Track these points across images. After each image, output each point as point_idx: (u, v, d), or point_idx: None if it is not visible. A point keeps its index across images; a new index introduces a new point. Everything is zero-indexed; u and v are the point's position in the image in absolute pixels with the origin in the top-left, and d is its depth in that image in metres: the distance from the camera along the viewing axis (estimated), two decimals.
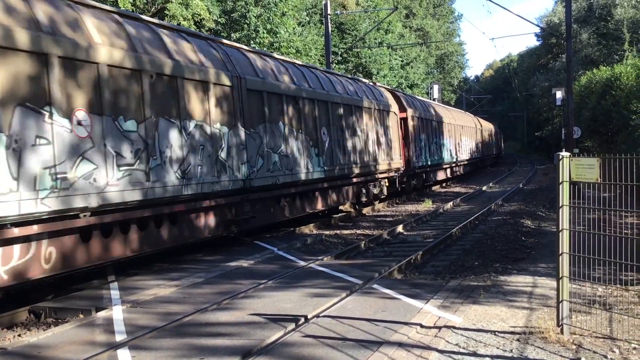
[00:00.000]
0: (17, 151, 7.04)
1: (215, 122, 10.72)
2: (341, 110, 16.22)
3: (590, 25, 40.78)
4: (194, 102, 10.26)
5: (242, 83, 11.59)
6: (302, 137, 13.93)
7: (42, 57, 7.45)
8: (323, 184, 15.13)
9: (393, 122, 20.75)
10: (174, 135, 9.72)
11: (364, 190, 18.14)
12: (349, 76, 19.49)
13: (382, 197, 19.94)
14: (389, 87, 24.51)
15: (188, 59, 10.31)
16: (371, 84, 21.28)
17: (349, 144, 16.65)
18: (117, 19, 9.23)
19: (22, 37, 7.19)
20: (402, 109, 22.69)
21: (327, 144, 15.22)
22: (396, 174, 21.02)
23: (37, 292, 8.32)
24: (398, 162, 20.87)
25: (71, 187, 7.69)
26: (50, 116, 7.50)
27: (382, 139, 19.32)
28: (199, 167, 10.20)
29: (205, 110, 10.49)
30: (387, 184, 20.07)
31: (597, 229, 6.17)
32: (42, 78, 7.45)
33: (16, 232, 7.03)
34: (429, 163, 26.00)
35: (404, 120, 22.65)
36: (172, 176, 9.56)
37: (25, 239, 7.25)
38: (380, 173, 19.27)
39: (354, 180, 17.19)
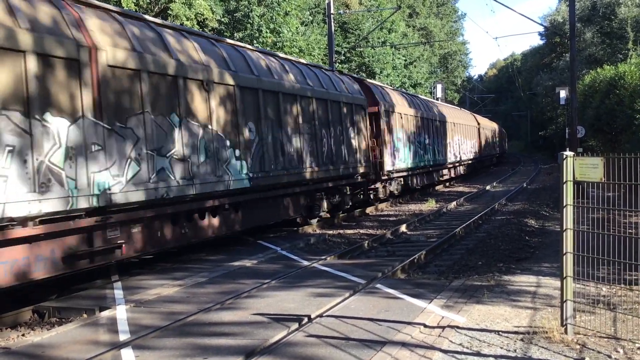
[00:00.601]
0: None
1: (42, 112, 7.42)
2: (280, 101, 12.83)
3: (594, 24, 40.67)
4: None
5: (98, 56, 8.23)
6: (213, 135, 10.59)
7: None
8: (249, 195, 11.74)
9: (359, 117, 17.34)
10: None
11: (318, 201, 14.89)
12: (295, 59, 15.94)
13: (346, 207, 16.86)
14: (358, 77, 21.16)
15: None
16: (330, 70, 17.75)
17: (292, 143, 13.32)
18: None
19: None
20: (374, 102, 19.21)
21: (255, 144, 11.87)
22: (363, 180, 17.67)
23: (41, 291, 8.34)
24: (364, 166, 17.42)
25: None
26: None
27: (343, 137, 16.06)
28: (2, 179, 6.88)
29: (18, 93, 7.16)
30: (347, 192, 16.76)
31: (601, 228, 6.14)
32: None
33: None
34: (412, 166, 22.89)
35: (375, 116, 19.32)
36: None
37: None
38: (341, 179, 16.01)
39: (301, 189, 13.85)
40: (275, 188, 12.73)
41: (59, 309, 7.62)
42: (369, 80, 21.74)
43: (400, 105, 22.23)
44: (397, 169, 21.01)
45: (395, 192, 21.41)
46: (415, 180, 23.91)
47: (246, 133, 11.61)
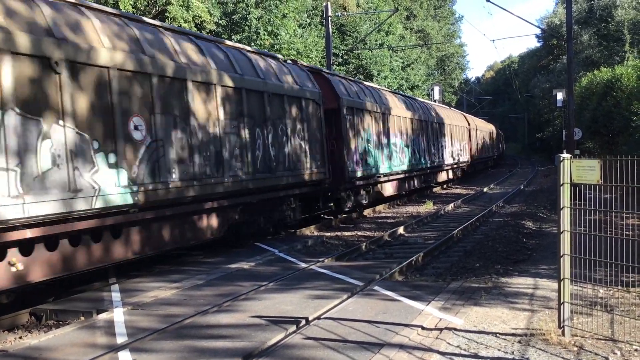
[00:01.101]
0: None
1: None
2: (187, 90, 10.03)
3: (591, 27, 40.82)
4: None
5: None
6: (66, 135, 7.73)
7: None
8: (135, 215, 8.89)
9: (310, 114, 14.55)
10: None
11: (255, 217, 12.44)
12: (219, 39, 12.71)
13: (297, 219, 14.45)
14: (314, 67, 18.54)
15: None
16: (272, 56, 14.65)
17: (207, 146, 10.50)
18: None
19: None
20: (333, 96, 16.41)
21: (145, 147, 9.09)
22: (317, 188, 15.15)
23: (39, 294, 8.33)
24: (318, 172, 14.70)
25: None
26: None
27: (286, 138, 13.33)
28: None
29: None
30: (293, 204, 14.04)
31: (598, 230, 6.16)
32: None
33: None
34: (384, 171, 19.88)
35: (335, 113, 16.44)
36: None
37: None
38: (288, 188, 13.41)
39: (227, 203, 11.08)
40: (181, 204, 9.90)
41: (56, 312, 7.61)
42: (326, 71, 18.86)
43: (366, 100, 19.22)
44: (367, 175, 18.26)
45: (364, 201, 18.67)
46: (394, 187, 21.35)
47: (129, 132, 8.83)
